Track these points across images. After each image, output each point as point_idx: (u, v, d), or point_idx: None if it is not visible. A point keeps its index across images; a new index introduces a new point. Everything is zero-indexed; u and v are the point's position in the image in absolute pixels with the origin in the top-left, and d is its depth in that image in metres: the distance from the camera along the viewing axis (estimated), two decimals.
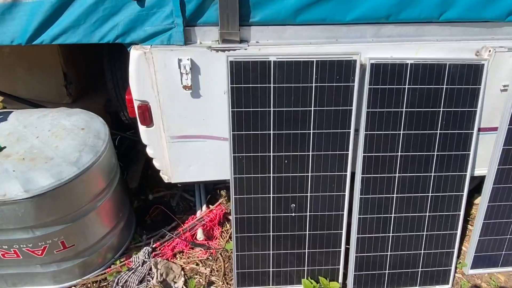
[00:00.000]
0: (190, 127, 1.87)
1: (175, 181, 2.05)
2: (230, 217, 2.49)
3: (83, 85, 2.79)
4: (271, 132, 1.76)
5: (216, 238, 2.39)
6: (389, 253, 2.02)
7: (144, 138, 1.92)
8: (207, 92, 1.77)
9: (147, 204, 2.60)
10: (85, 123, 2.00)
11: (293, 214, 1.91)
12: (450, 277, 2.10)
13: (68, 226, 1.81)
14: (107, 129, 2.00)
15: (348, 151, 1.82)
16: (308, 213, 1.92)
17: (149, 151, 1.97)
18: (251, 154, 1.79)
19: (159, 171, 2.04)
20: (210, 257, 2.27)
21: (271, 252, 1.98)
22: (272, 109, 1.72)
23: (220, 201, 2.50)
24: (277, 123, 1.75)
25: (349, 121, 1.78)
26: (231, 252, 2.29)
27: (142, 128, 1.88)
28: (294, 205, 1.90)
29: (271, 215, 1.91)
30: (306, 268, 2.04)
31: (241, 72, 1.65)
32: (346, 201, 1.92)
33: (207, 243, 2.34)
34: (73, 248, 1.89)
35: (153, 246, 2.24)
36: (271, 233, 1.95)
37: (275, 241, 1.96)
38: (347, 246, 2.01)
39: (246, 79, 1.67)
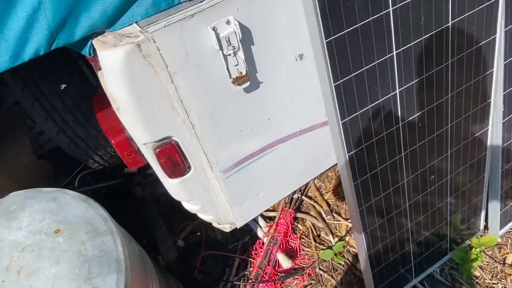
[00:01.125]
0: (250, 142, 1.04)
1: (242, 223, 1.27)
2: (298, 215, 1.82)
3: None
4: (397, 90, 1.02)
5: (299, 250, 1.73)
6: None
7: (179, 194, 1.06)
8: (270, 71, 0.92)
9: (180, 253, 1.79)
10: (51, 215, 1.05)
11: (433, 187, 1.29)
12: None
13: None
14: (99, 207, 1.08)
15: (493, 68, 1.17)
16: (448, 176, 1.32)
17: (192, 207, 1.12)
18: (373, 140, 1.06)
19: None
20: (312, 281, 1.64)
21: (410, 246, 1.40)
22: (394, 52, 0.95)
23: (281, 204, 1.79)
24: (404, 72, 1.00)
25: (495, 20, 1.08)
26: (332, 260, 1.68)
27: (171, 183, 1.00)
28: (433, 176, 1.27)
29: (407, 204, 1.28)
30: (448, 238, 1.51)
31: (339, 6, 0.82)
32: (489, 138, 1.33)
33: (294, 263, 1.69)
34: None
35: None
36: (408, 225, 1.34)
37: (414, 230, 1.36)
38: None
39: (350, 16, 0.84)
